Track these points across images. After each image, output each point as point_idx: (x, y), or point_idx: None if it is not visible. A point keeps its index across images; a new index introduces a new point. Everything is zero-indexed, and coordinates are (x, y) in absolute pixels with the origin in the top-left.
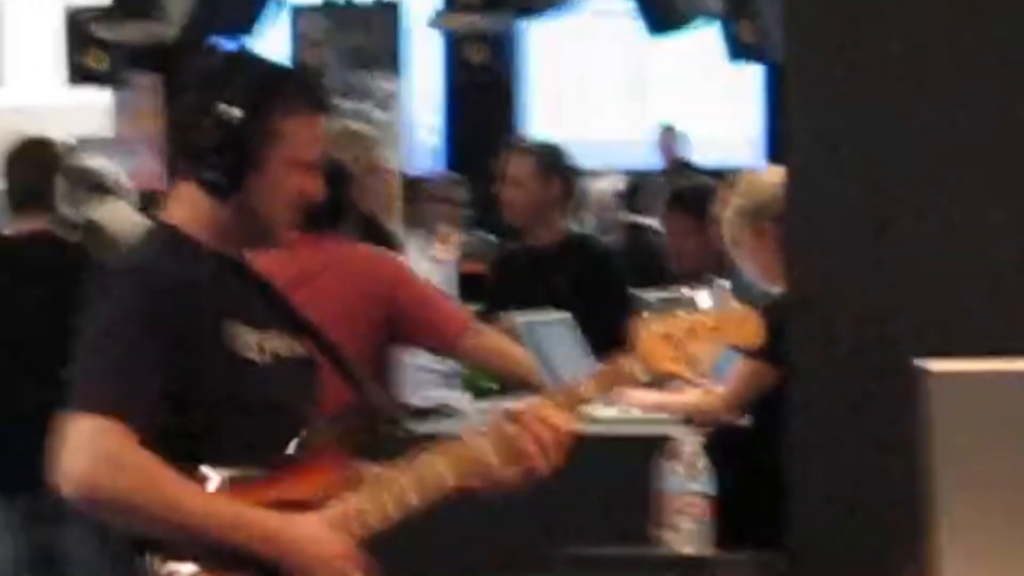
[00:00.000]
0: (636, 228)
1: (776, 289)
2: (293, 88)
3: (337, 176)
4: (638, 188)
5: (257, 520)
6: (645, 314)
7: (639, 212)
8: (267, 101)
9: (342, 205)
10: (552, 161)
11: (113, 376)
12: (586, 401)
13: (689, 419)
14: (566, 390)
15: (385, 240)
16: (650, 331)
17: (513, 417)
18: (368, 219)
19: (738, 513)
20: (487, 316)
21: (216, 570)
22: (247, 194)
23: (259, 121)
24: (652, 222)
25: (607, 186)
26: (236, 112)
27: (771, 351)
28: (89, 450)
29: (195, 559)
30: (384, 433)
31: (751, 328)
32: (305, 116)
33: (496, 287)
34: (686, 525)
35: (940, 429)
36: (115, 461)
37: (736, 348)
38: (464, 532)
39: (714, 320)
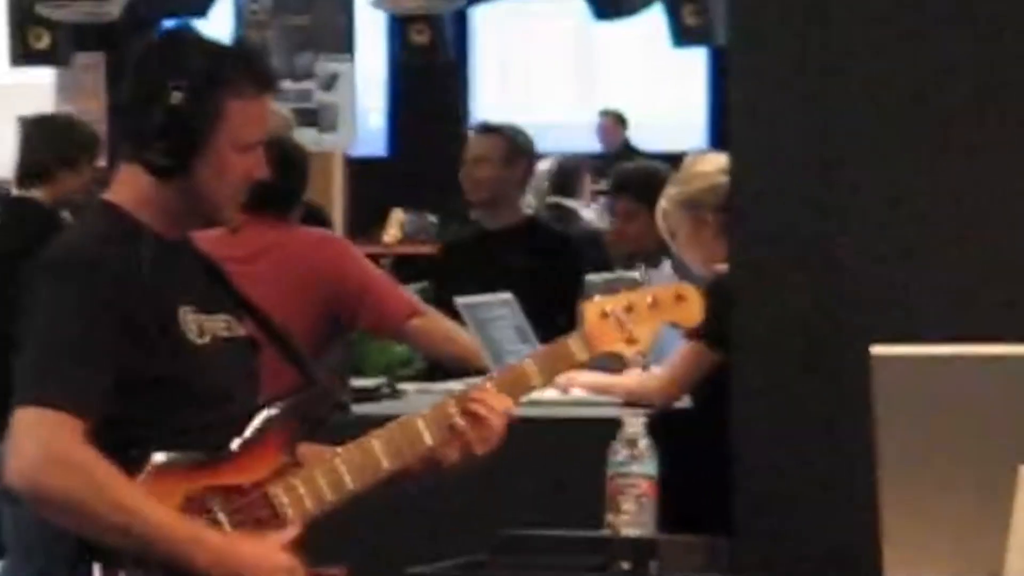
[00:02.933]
0: (559, 208)
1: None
2: (238, 69)
3: (290, 161)
4: (566, 170)
5: (204, 537)
6: (595, 297)
7: (566, 194)
8: (212, 82)
9: (292, 188)
10: (518, 144)
11: (60, 368)
12: (532, 388)
13: (631, 402)
14: (511, 374)
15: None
16: (591, 309)
17: (455, 399)
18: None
19: (682, 495)
20: (438, 298)
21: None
22: (192, 176)
23: (204, 103)
24: (577, 204)
25: (541, 169)
26: (180, 94)
27: (713, 333)
28: (35, 445)
29: (135, 562)
30: (327, 415)
31: (690, 305)
32: (250, 97)
33: (448, 269)
34: (629, 506)
35: (885, 412)
36: (61, 458)
37: (675, 325)
38: (413, 516)
39: (653, 297)
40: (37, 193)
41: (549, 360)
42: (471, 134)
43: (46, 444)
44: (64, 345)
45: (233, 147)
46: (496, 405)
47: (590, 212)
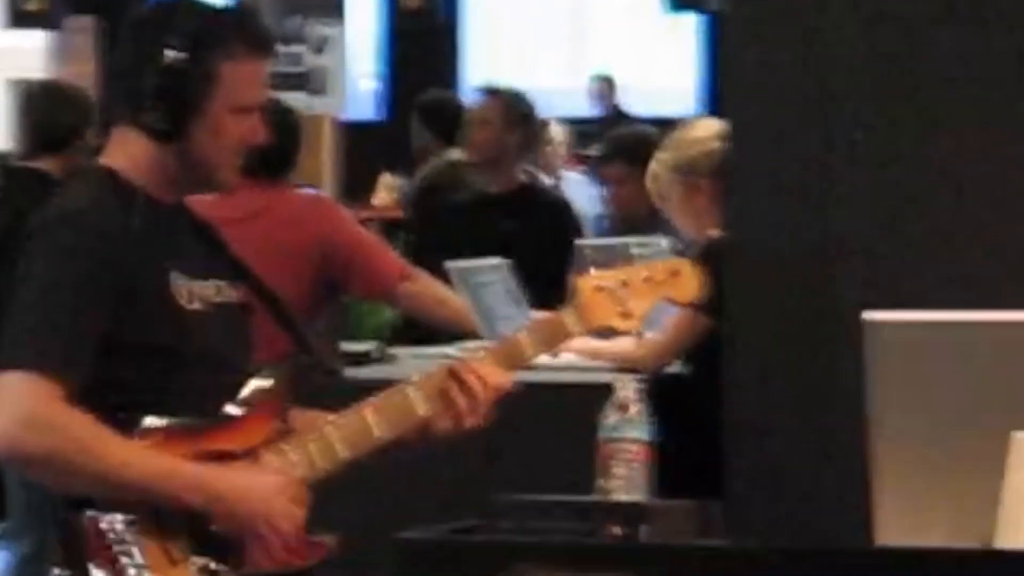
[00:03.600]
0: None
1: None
2: (233, 31)
3: (284, 124)
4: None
5: (188, 471)
6: (591, 271)
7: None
8: (207, 45)
9: (287, 154)
10: (518, 109)
11: (43, 331)
12: (526, 360)
13: (623, 367)
14: (505, 346)
15: None
16: (585, 284)
17: (448, 370)
18: None
19: (675, 460)
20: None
21: (149, 520)
22: (188, 139)
23: (199, 65)
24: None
25: (557, 132)
26: (175, 56)
27: (705, 299)
28: (14, 408)
29: (128, 511)
30: (320, 380)
31: (686, 281)
32: (245, 59)
33: (442, 232)
34: (621, 471)
35: (877, 378)
36: (40, 420)
37: (671, 301)
38: (404, 482)
39: (649, 272)
40: (44, 164)
41: (543, 333)
42: (474, 97)
43: (22, 406)
44: (48, 307)
45: (229, 110)
46: (489, 377)
47: (573, 177)
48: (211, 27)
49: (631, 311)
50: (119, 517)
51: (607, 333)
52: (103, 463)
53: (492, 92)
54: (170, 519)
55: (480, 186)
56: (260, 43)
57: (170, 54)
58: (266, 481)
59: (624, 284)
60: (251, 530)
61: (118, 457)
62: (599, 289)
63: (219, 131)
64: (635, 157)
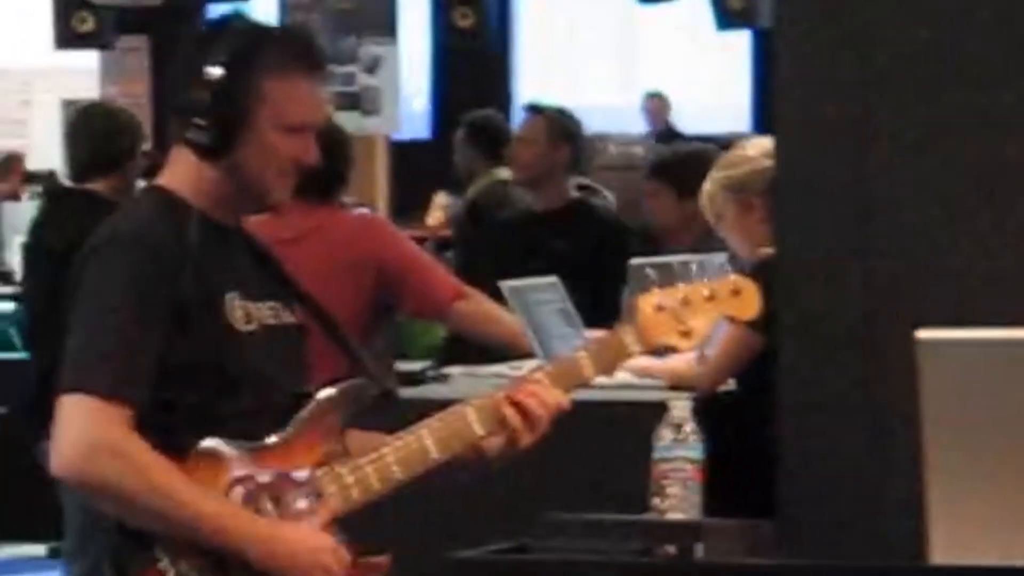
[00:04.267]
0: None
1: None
2: (279, 48)
3: (334, 143)
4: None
5: (246, 522)
6: (653, 289)
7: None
8: (250, 61)
9: (338, 173)
10: (563, 126)
11: (108, 355)
12: (585, 379)
13: (675, 385)
14: (564, 365)
15: None
16: (645, 302)
17: (507, 392)
18: None
19: (727, 480)
20: (483, 280)
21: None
22: (236, 157)
23: (243, 81)
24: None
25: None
26: (219, 72)
27: (758, 317)
28: (80, 433)
29: (195, 557)
30: (377, 402)
31: (747, 299)
32: (291, 77)
33: (493, 251)
34: (674, 490)
35: (931, 396)
36: (106, 447)
37: (731, 319)
38: (457, 500)
39: (709, 290)
40: (96, 185)
41: (602, 352)
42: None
43: (89, 432)
44: (109, 330)
45: (276, 128)
46: (548, 399)
47: None
48: (256, 44)
49: (691, 330)
50: (182, 564)
51: (664, 351)
52: (163, 498)
53: (536, 110)
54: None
55: (527, 204)
56: (308, 61)
57: (215, 71)
58: (319, 536)
59: (685, 303)
60: None
61: (179, 495)
62: (660, 308)
63: (267, 149)
64: (660, 172)
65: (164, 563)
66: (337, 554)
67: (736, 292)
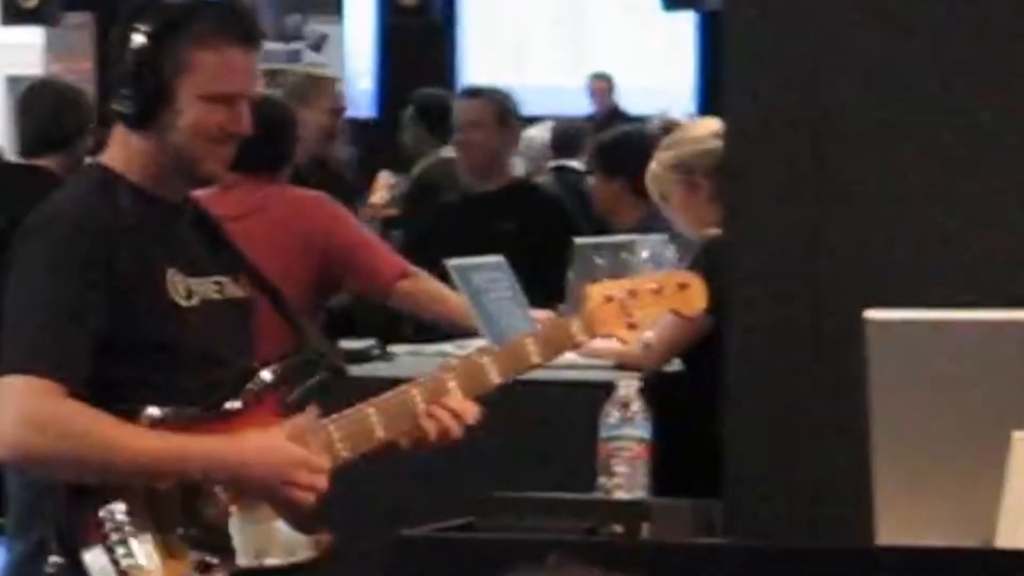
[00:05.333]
0: (562, 170)
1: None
2: (205, 19)
3: (279, 120)
4: (566, 134)
5: (199, 448)
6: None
7: (568, 156)
8: (175, 31)
9: (282, 148)
10: (509, 108)
11: (42, 333)
12: (531, 366)
13: (620, 365)
14: (510, 352)
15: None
16: (595, 292)
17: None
18: (325, 165)
19: (674, 459)
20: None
21: (147, 513)
22: (162, 128)
23: (165, 50)
24: (578, 164)
25: (536, 134)
26: (143, 40)
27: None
28: (16, 409)
29: (127, 503)
30: (323, 377)
31: (693, 293)
32: (219, 46)
33: (438, 232)
34: (621, 470)
35: (879, 376)
36: (44, 418)
37: (677, 313)
38: (404, 479)
39: (656, 283)
40: (46, 162)
41: (549, 339)
42: (458, 100)
43: (24, 406)
44: (43, 309)
45: (201, 97)
46: (461, 413)
47: None
48: (185, 14)
49: (637, 322)
50: (120, 507)
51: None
52: (113, 450)
53: (477, 93)
54: (167, 512)
55: (473, 186)
56: (237, 31)
57: (137, 39)
58: (285, 447)
59: (632, 294)
60: (274, 490)
61: (127, 442)
62: (608, 299)
63: (192, 119)
64: (596, 156)
65: (104, 514)
66: (299, 456)
67: (683, 286)
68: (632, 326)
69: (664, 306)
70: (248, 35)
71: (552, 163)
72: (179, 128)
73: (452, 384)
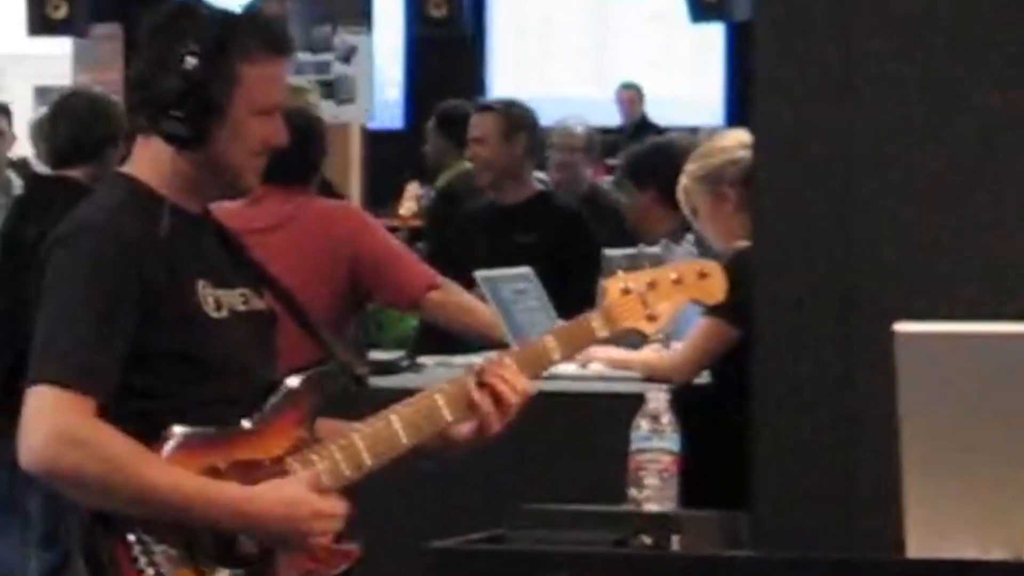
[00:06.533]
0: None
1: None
2: (249, 32)
3: (307, 129)
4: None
5: (224, 495)
6: (616, 271)
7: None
8: (224, 46)
9: (311, 159)
10: (516, 119)
11: (74, 346)
12: (552, 362)
13: (652, 378)
14: (531, 349)
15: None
16: (613, 285)
17: (474, 375)
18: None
19: (703, 471)
20: (450, 270)
21: (182, 548)
22: (211, 145)
23: (218, 67)
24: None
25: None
26: (194, 60)
27: (733, 309)
28: (47, 425)
29: (161, 537)
30: (347, 388)
31: (714, 282)
32: (264, 60)
33: (460, 244)
34: (651, 482)
35: (908, 389)
36: (74, 436)
37: (697, 302)
38: (434, 490)
39: (676, 274)
40: (77, 173)
41: (569, 336)
42: (472, 114)
43: (55, 423)
44: (76, 321)
45: (250, 112)
46: (515, 382)
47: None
48: (229, 30)
49: (658, 313)
50: (151, 542)
51: (635, 337)
52: (139, 483)
53: (485, 108)
54: (202, 548)
55: (492, 199)
56: (278, 43)
57: (190, 59)
58: (301, 500)
59: (651, 286)
60: (288, 548)
61: (154, 477)
62: (626, 291)
63: (242, 134)
64: (642, 174)
65: (134, 544)
66: (316, 507)
67: (703, 275)
68: (652, 318)
69: (685, 296)
70: (287, 46)
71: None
72: (227, 144)
73: (472, 385)
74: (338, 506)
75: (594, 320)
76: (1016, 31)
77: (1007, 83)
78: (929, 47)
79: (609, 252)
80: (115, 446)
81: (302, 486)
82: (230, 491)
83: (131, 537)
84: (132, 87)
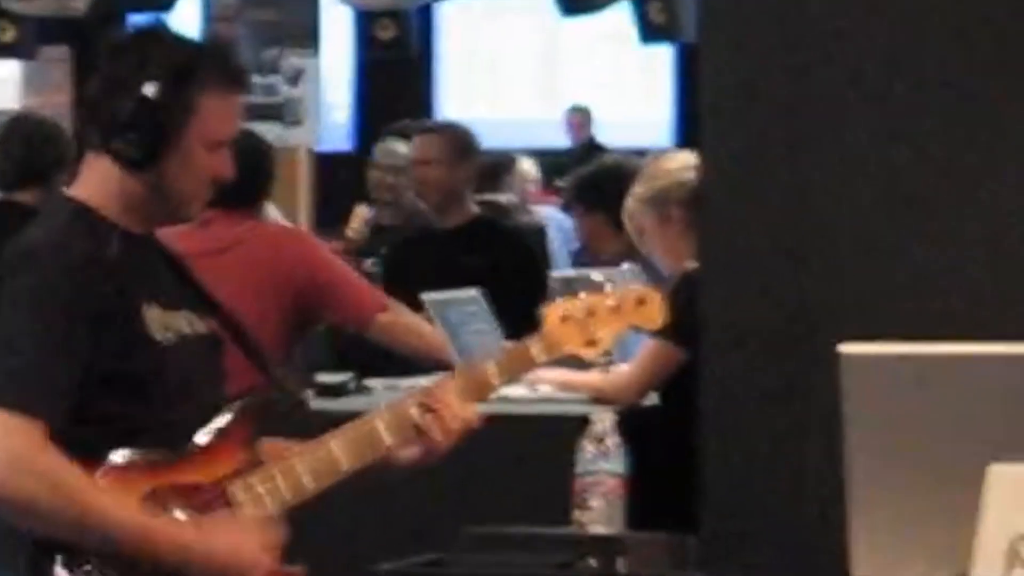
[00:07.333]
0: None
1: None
2: (211, 64)
3: (256, 155)
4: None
5: (166, 530)
6: (556, 299)
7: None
8: (186, 77)
9: (261, 185)
10: (461, 143)
11: (24, 370)
12: (493, 388)
13: (596, 399)
14: (473, 376)
15: None
16: (552, 313)
17: (415, 399)
18: None
19: (649, 493)
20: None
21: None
22: (160, 171)
23: (177, 95)
24: (508, 199)
25: (528, 168)
26: (154, 86)
27: (680, 331)
28: (2, 449)
29: (104, 564)
30: (290, 413)
31: (652, 308)
32: (222, 93)
33: (402, 268)
34: (597, 504)
35: (854, 410)
36: (22, 463)
37: (637, 329)
38: (379, 513)
39: (615, 300)
40: (25, 197)
41: (509, 361)
42: (415, 136)
43: (7, 450)
44: (25, 344)
45: (202, 143)
46: (457, 410)
47: (546, 208)
48: (190, 59)
49: (597, 340)
50: (102, 568)
51: (578, 362)
52: (84, 513)
53: (432, 130)
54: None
55: (433, 222)
56: (237, 77)
57: (149, 85)
58: (240, 539)
59: (590, 313)
60: None
61: (100, 509)
62: (565, 318)
63: (191, 164)
64: (590, 196)
65: (81, 573)
66: (261, 557)
67: (640, 302)
68: (591, 343)
69: (624, 322)
70: (244, 81)
71: (479, 197)
72: (176, 171)
73: (414, 409)
74: (278, 537)
75: (533, 347)
76: (968, 53)
77: (959, 103)
78: (882, 60)
79: (554, 274)
80: (64, 474)
81: (248, 527)
82: (178, 530)
83: (78, 568)
84: (86, 105)
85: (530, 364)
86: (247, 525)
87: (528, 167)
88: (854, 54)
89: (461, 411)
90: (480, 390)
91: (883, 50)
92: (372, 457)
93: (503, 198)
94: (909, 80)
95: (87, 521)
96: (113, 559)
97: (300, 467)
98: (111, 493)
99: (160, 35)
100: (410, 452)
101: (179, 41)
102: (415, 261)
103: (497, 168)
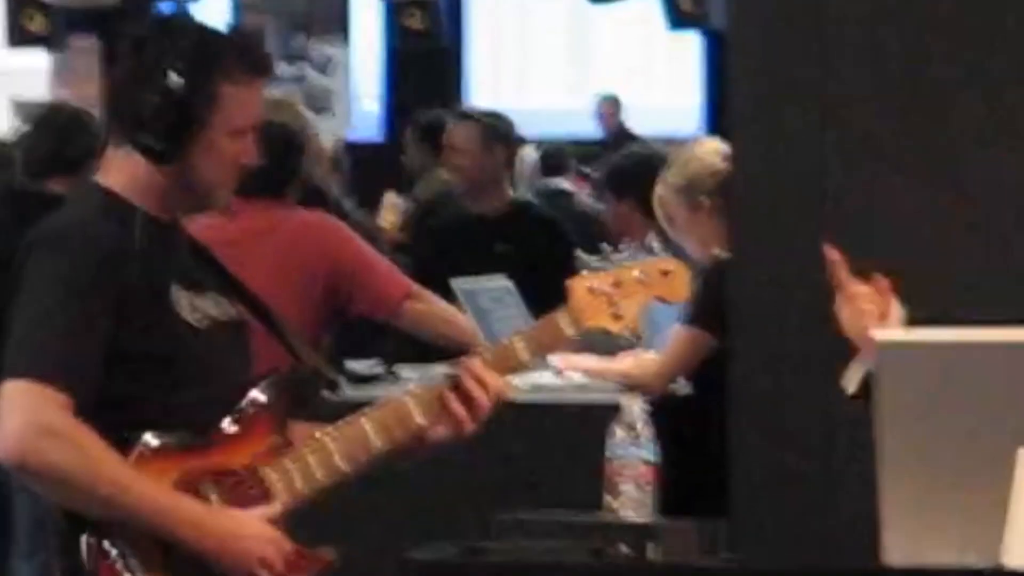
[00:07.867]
0: (553, 193)
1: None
2: (233, 53)
3: (287, 143)
4: (554, 153)
5: (187, 509)
6: (582, 272)
7: (557, 175)
8: (208, 66)
9: (290, 172)
10: (495, 130)
11: (53, 342)
12: (521, 364)
13: (627, 386)
14: (499, 352)
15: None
16: (578, 285)
17: (446, 377)
18: (311, 189)
19: (680, 480)
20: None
21: (157, 555)
22: (186, 161)
23: (199, 86)
24: (566, 184)
25: (527, 154)
26: (176, 77)
27: (710, 317)
28: (23, 416)
29: (134, 542)
30: (320, 398)
31: (677, 280)
32: (244, 81)
33: (438, 255)
34: (629, 491)
35: (885, 397)
36: (49, 430)
37: (662, 299)
38: (412, 500)
39: (640, 272)
40: (56, 186)
41: (537, 336)
42: (449, 122)
43: (33, 416)
44: (53, 319)
45: (226, 132)
46: (489, 381)
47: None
48: (212, 49)
49: (623, 312)
50: (126, 547)
51: (603, 337)
52: (108, 485)
53: (466, 117)
54: (179, 558)
55: (470, 208)
56: (259, 66)
57: (172, 76)
58: (258, 525)
59: (616, 284)
60: (243, 569)
61: (123, 483)
62: (591, 291)
63: (216, 153)
64: (620, 184)
65: (112, 555)
66: (276, 544)
67: (665, 273)
68: (618, 316)
69: (649, 293)
70: (267, 67)
71: (541, 183)
72: (202, 161)
73: (444, 386)
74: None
75: (560, 319)
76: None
77: (990, 93)
78: (911, 51)
79: (581, 255)
80: (91, 444)
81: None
82: (195, 509)
83: (110, 550)
84: (110, 96)
85: (558, 337)
86: (258, 511)
87: (528, 151)
88: (886, 38)
89: (492, 380)
90: (509, 363)
91: (917, 35)
92: (403, 437)
93: (565, 183)
94: (943, 63)
95: (112, 493)
96: (137, 540)
97: (332, 446)
98: (133, 470)
99: (183, 25)
100: (441, 430)
101: (202, 31)
102: (450, 248)
103: (557, 154)
